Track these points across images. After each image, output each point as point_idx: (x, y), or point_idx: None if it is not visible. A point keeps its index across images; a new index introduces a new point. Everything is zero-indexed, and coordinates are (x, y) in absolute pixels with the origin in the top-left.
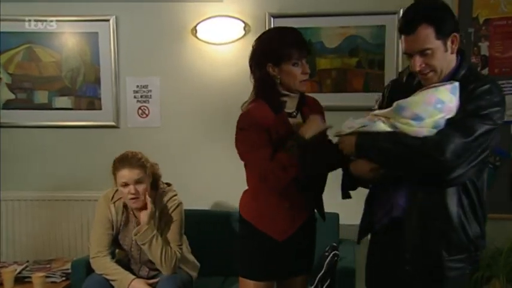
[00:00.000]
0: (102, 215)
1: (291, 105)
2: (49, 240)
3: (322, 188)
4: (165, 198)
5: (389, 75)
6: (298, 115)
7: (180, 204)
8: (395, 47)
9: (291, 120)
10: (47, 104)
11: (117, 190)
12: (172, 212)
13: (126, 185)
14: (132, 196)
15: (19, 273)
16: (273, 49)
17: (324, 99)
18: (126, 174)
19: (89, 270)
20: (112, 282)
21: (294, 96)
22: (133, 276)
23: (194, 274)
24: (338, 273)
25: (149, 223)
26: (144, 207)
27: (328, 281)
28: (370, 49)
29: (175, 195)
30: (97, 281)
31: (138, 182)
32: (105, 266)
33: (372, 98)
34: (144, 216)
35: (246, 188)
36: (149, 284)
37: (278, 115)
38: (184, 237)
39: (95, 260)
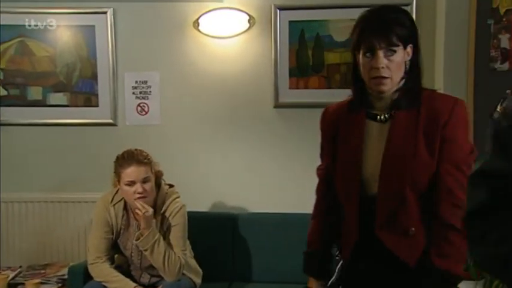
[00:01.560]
0: (101, 218)
1: (379, 104)
2: (44, 244)
3: None
4: (168, 201)
5: None
6: (388, 122)
7: (183, 206)
8: None
9: None
10: (41, 101)
11: (117, 192)
12: (175, 215)
13: (132, 183)
14: (140, 195)
15: (12, 279)
16: (352, 33)
17: (333, 95)
18: (133, 172)
19: (87, 276)
20: None
21: (384, 95)
22: (134, 284)
23: (198, 281)
24: None
25: (150, 227)
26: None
27: None
28: None
29: (178, 197)
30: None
31: (145, 180)
32: (104, 272)
33: None
34: (142, 220)
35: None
36: None
37: (352, 116)
38: (187, 241)
39: (93, 267)
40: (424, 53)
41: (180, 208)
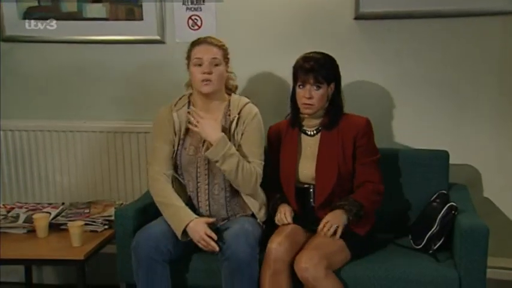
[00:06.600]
0: (164, 125)
1: (308, 123)
2: (87, 179)
3: None
4: (241, 103)
5: None
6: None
7: (258, 113)
8: None
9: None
10: (77, 13)
11: (182, 97)
12: (253, 118)
13: (200, 62)
14: (205, 77)
15: (53, 218)
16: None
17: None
18: (203, 49)
19: (137, 222)
20: (167, 219)
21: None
22: (195, 216)
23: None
24: (462, 233)
25: (217, 134)
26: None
27: (442, 240)
28: None
29: (252, 103)
30: (152, 235)
31: (214, 62)
32: (165, 192)
33: None
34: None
35: None
36: (208, 224)
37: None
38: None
39: (155, 183)
40: None
41: (256, 113)
